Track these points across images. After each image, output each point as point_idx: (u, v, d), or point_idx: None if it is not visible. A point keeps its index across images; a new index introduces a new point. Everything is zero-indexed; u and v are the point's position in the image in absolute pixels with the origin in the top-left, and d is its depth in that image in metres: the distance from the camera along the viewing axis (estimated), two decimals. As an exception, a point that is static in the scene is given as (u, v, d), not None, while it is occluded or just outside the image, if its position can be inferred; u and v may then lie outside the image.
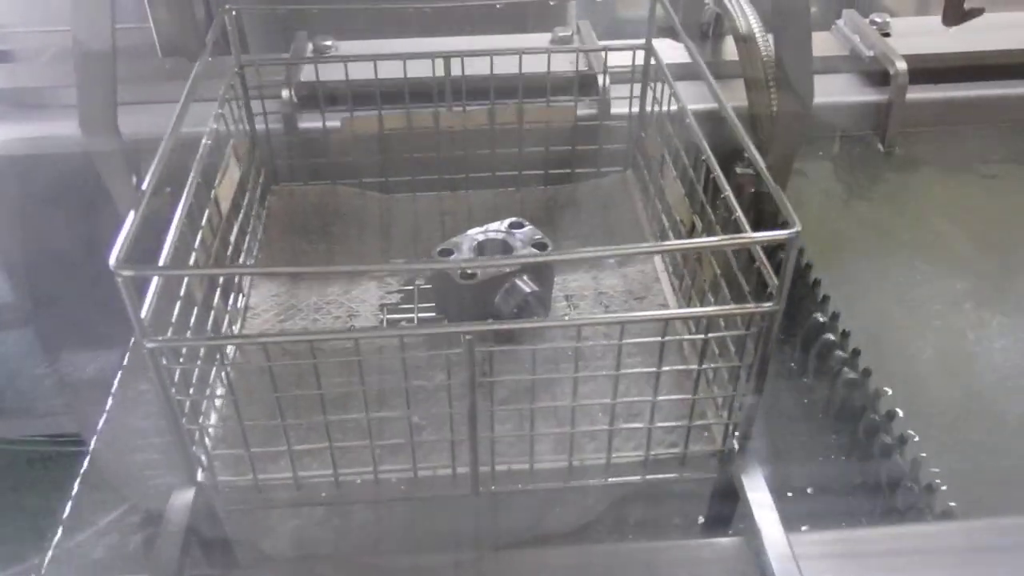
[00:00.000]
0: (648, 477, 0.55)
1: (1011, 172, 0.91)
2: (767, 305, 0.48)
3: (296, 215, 0.81)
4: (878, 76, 0.92)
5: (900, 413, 0.64)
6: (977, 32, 0.85)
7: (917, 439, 0.62)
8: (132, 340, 0.73)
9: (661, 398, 0.54)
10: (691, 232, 0.66)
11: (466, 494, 0.55)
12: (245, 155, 0.76)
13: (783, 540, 0.48)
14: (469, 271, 0.63)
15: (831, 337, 0.73)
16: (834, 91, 0.92)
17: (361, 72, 0.78)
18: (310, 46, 0.90)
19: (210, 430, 0.56)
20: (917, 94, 0.91)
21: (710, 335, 0.52)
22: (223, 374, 0.57)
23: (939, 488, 0.58)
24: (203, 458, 0.53)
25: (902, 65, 0.90)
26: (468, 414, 0.50)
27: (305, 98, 0.84)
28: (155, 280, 0.47)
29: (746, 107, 0.81)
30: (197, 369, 0.54)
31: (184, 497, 0.51)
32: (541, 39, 0.91)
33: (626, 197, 0.82)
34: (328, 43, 0.90)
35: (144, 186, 0.50)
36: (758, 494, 0.51)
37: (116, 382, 0.69)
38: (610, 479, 0.56)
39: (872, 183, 0.89)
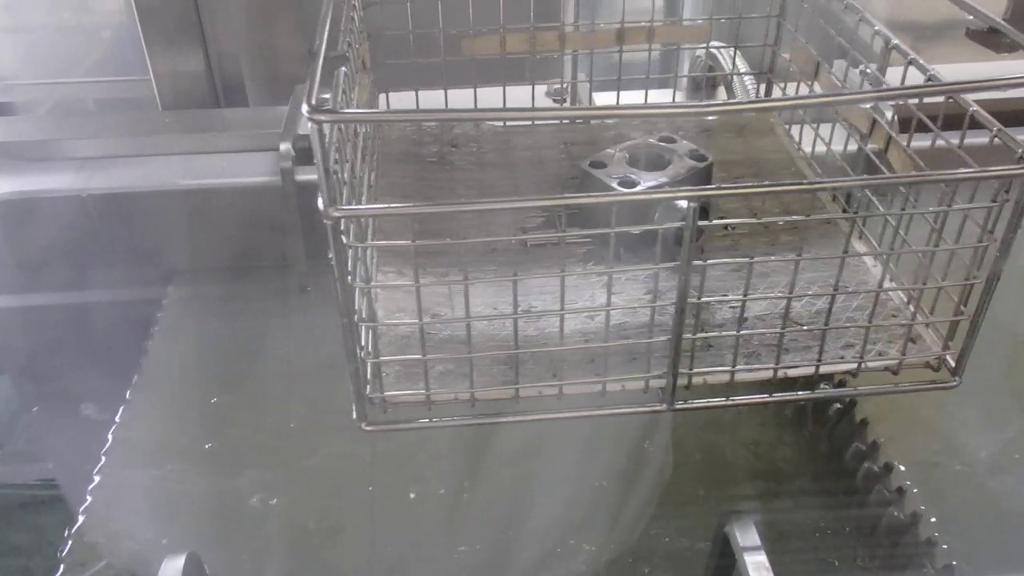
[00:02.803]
0: (860, 389, 0.53)
1: None
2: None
3: (409, 141, 0.76)
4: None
5: None
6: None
7: None
8: (128, 392, 0.74)
9: (889, 287, 0.49)
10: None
11: (660, 409, 0.51)
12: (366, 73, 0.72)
13: None
14: (630, 184, 0.58)
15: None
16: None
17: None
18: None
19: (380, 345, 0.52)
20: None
21: (953, 207, 0.47)
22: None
23: None
24: (371, 375, 0.49)
25: (888, 114, 0.91)
26: (677, 306, 0.46)
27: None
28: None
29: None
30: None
31: (174, 565, 0.50)
32: (538, 90, 0.91)
33: (762, 119, 0.78)
34: (326, 96, 0.91)
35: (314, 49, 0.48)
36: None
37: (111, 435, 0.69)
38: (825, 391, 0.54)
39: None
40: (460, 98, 0.76)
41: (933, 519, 0.60)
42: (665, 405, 0.51)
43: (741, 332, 0.51)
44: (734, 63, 0.82)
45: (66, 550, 0.60)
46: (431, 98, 0.76)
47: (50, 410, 0.85)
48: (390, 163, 0.73)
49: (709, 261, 0.48)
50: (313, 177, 0.83)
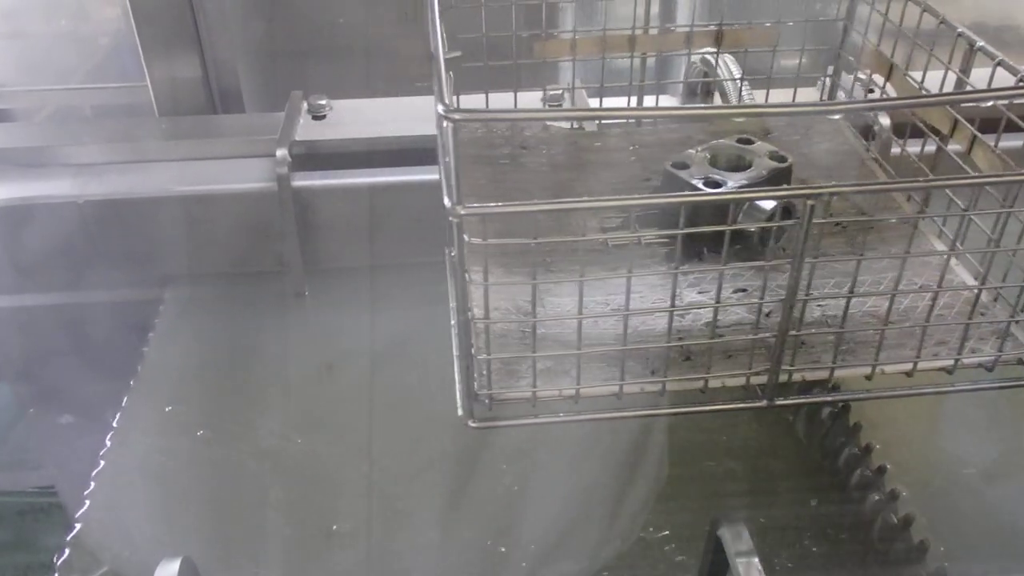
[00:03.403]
0: (957, 386, 0.53)
1: None
2: None
3: (480, 144, 0.76)
4: (861, 131, 0.94)
5: None
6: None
7: None
8: (125, 400, 0.74)
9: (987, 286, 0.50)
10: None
11: (759, 406, 0.51)
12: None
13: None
14: (714, 184, 0.58)
15: None
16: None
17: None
18: (305, 105, 0.92)
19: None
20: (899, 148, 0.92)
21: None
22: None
23: None
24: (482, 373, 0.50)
25: (886, 121, 0.91)
26: (785, 303, 0.47)
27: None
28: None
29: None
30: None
31: (169, 569, 0.50)
32: (535, 96, 0.92)
33: (828, 121, 0.79)
34: (323, 102, 0.91)
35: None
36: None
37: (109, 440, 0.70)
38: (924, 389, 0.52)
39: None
40: (526, 100, 0.79)
41: (924, 521, 0.61)
42: (765, 401, 0.51)
43: (844, 329, 0.52)
44: (729, 69, 0.82)
45: (63, 558, 0.61)
46: (499, 100, 0.77)
47: (46, 415, 0.85)
48: (464, 165, 0.73)
49: (820, 258, 0.50)
50: (308, 183, 0.83)
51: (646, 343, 0.53)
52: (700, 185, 0.58)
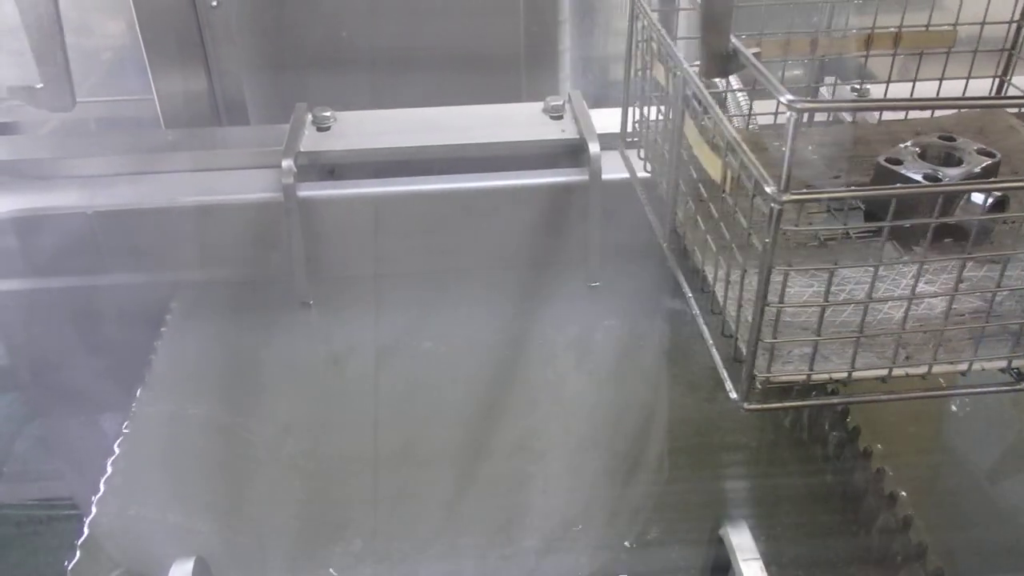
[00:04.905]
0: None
1: None
2: None
3: None
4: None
5: None
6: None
7: None
8: (132, 407, 0.75)
9: None
10: None
11: (1016, 388, 0.52)
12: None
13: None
14: (933, 178, 0.59)
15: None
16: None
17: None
18: (309, 116, 0.93)
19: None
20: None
21: None
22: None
23: None
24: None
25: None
26: None
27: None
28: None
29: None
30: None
31: (183, 569, 0.51)
32: (536, 107, 0.93)
33: (1001, 119, 0.78)
34: (327, 114, 0.93)
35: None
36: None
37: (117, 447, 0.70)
38: None
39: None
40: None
41: (923, 523, 0.62)
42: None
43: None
44: (727, 79, 0.84)
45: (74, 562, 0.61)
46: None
47: (54, 424, 0.86)
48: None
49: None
50: (314, 193, 0.84)
51: (925, 328, 0.54)
52: (920, 179, 0.60)
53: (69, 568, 0.61)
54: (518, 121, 0.90)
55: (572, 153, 0.87)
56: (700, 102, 0.60)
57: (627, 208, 0.87)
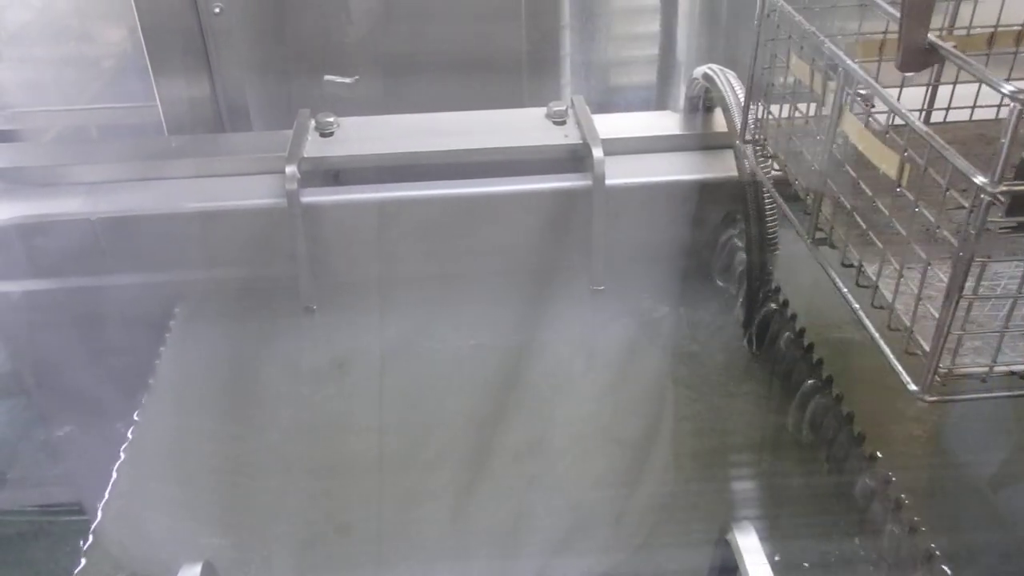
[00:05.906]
0: None
1: None
2: None
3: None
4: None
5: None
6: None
7: None
8: (136, 414, 0.75)
9: None
10: None
11: None
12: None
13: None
14: None
15: None
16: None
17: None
18: (313, 122, 0.93)
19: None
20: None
21: None
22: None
23: None
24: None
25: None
26: None
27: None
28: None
29: (735, 176, 0.83)
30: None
31: (191, 573, 0.51)
32: (539, 112, 0.94)
33: None
34: (330, 119, 0.93)
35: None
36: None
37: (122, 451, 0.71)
38: None
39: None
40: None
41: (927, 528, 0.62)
42: None
43: None
44: (730, 83, 0.84)
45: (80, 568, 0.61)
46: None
47: (60, 430, 0.86)
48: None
49: None
50: (318, 199, 0.85)
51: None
52: None
53: (75, 574, 0.61)
54: (521, 126, 0.91)
55: (575, 158, 0.87)
56: (865, 99, 0.60)
57: (630, 212, 0.88)
